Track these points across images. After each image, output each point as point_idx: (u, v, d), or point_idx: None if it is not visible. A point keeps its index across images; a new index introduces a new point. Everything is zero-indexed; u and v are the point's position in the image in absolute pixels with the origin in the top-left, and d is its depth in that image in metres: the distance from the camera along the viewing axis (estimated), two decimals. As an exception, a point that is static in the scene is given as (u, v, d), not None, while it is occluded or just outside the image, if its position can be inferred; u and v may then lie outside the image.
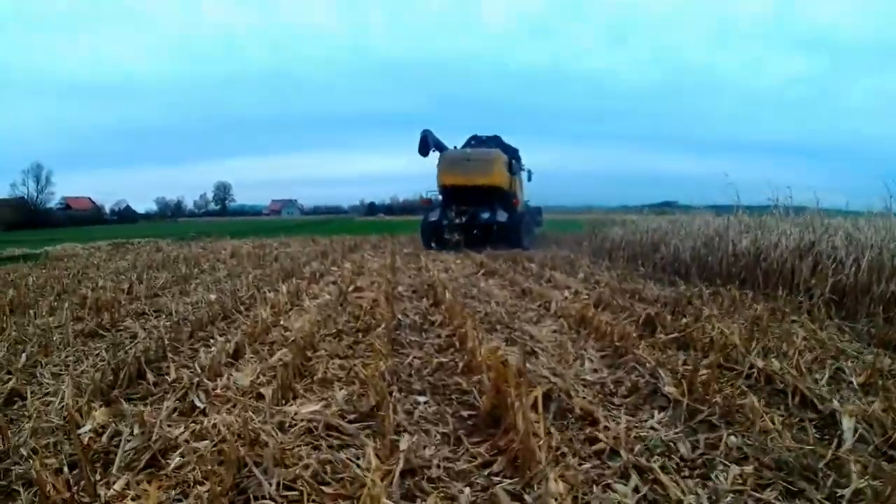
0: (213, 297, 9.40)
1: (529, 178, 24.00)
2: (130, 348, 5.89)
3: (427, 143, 20.97)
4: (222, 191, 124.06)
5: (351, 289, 9.69)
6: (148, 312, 8.21)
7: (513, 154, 21.90)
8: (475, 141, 22.69)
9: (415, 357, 5.75)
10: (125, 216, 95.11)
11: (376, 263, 13.83)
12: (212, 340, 6.42)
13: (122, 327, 7.27)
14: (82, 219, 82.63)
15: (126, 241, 26.03)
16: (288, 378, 4.65)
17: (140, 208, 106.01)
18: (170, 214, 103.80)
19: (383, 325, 6.71)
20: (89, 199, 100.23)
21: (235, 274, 12.58)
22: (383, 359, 5.10)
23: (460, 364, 5.46)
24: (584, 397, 4.43)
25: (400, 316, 7.62)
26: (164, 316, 7.95)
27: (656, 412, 4.17)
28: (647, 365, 5.13)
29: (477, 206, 19.82)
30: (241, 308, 8.30)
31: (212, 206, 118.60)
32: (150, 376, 4.98)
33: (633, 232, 15.60)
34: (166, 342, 5.90)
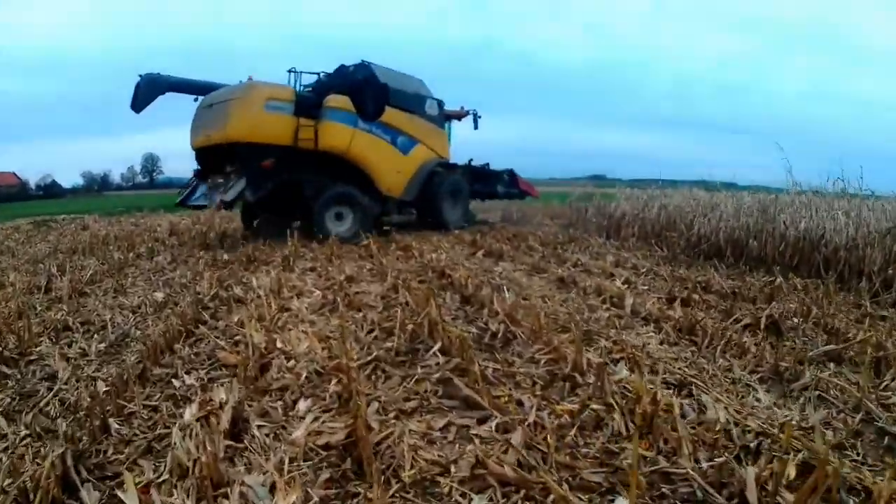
0: (159, 295, 7.04)
1: (476, 125, 17.10)
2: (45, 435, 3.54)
3: (140, 95, 12.83)
4: (150, 163, 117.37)
5: (342, 278, 7.42)
6: (72, 326, 5.76)
7: (400, 90, 13.93)
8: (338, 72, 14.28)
9: (531, 412, 3.57)
10: (51, 191, 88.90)
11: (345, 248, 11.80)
12: (177, 384, 4.09)
13: (33, 355, 4.84)
14: (7, 196, 76.58)
15: (50, 218, 22.59)
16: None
17: (67, 183, 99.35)
18: (96, 188, 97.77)
19: (439, 342, 4.55)
20: (14, 174, 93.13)
21: (182, 259, 10.15)
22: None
23: (612, 423, 3.35)
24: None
25: (447, 318, 5.41)
26: (94, 335, 5.53)
27: None
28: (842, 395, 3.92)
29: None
30: (206, 316, 5.93)
31: (139, 178, 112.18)
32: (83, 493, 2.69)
33: (643, 208, 13.65)
34: (102, 393, 3.59)
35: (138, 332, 5.58)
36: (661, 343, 5.34)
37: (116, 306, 6.67)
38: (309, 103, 12.62)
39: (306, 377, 4.06)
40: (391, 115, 13.63)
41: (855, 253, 8.84)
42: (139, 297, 7.10)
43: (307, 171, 12.60)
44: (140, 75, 12.77)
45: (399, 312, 5.41)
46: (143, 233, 15.31)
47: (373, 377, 4.20)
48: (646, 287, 7.90)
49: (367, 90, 13.05)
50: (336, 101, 12.86)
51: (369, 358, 4.41)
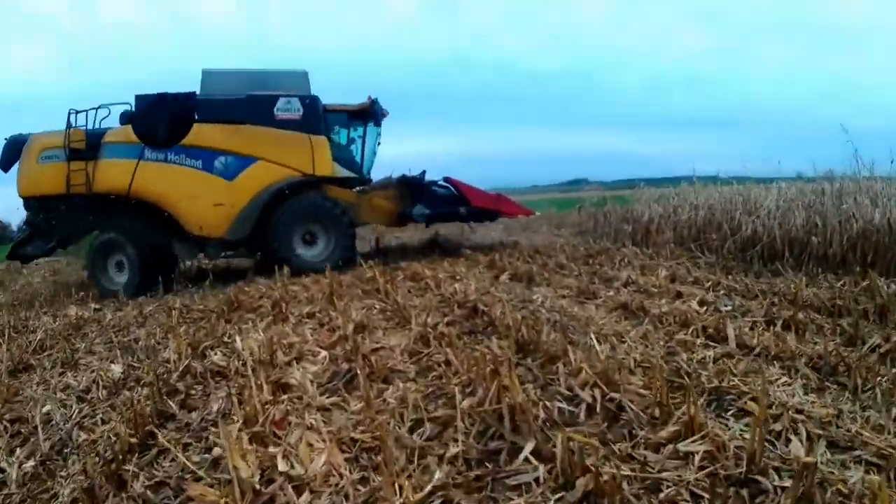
0: (117, 368, 5.41)
1: (377, 121, 12.50)
2: None
3: (5, 154, 11.00)
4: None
5: (351, 327, 5.75)
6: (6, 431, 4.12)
7: (222, 100, 11.06)
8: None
9: None
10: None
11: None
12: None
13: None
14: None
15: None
16: None
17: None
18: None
19: (530, 442, 2.99)
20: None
21: (152, 311, 8.45)
22: None
23: None
24: None
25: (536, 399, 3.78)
26: (23, 444, 3.92)
27: None
28: None
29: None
30: (174, 405, 4.27)
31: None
32: None
33: (674, 209, 12.09)
34: None
35: (82, 437, 3.95)
36: (806, 392, 3.94)
37: (61, 389, 5.02)
38: (91, 144, 10.73)
39: None
40: (204, 132, 10.89)
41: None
42: (92, 371, 5.45)
43: (113, 220, 10.93)
44: (6, 138, 11.26)
45: (447, 384, 3.81)
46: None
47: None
48: (728, 307, 6.36)
49: (152, 112, 10.77)
50: (113, 134, 10.82)
51: (429, 487, 2.75)
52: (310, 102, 11.35)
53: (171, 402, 4.27)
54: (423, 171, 12.69)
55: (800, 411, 3.48)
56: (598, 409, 3.63)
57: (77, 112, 10.88)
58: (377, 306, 7.23)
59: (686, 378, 4.14)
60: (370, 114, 12.14)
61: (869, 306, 5.99)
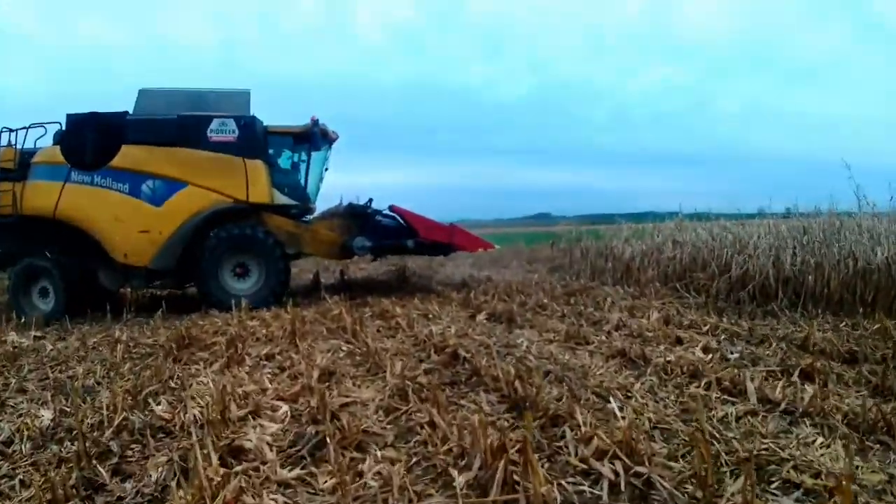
0: (46, 415, 4.59)
1: (317, 146, 11.36)
2: None
3: None
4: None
5: (316, 375, 5.00)
6: None
7: (151, 120, 10.28)
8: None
9: None
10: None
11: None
12: None
13: None
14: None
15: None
16: None
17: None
18: None
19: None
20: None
21: (95, 343, 7.54)
22: None
23: None
24: None
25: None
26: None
27: None
28: None
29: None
30: (105, 473, 3.47)
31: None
32: None
33: (657, 247, 11.54)
34: None
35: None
36: (847, 454, 3.28)
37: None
38: (21, 164, 10.10)
39: None
40: (132, 154, 10.11)
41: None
42: (20, 415, 4.62)
43: (39, 244, 10.15)
44: None
45: (434, 453, 3.09)
46: None
47: None
48: (735, 355, 5.77)
49: (80, 133, 10.08)
50: (42, 155, 10.16)
51: None
52: (246, 124, 10.41)
53: (101, 469, 3.46)
54: (370, 200, 11.64)
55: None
56: (622, 487, 2.95)
57: (11, 130, 10.14)
58: (344, 348, 6.48)
59: (716, 443, 3.50)
60: (311, 137, 11.11)
61: (887, 352, 5.53)
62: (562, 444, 3.53)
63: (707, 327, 7.04)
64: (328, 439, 3.44)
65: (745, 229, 11.10)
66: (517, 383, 4.45)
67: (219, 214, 10.23)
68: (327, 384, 4.89)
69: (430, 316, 8.32)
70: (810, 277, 8.48)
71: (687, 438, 3.80)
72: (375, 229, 11.35)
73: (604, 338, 6.63)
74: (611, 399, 4.35)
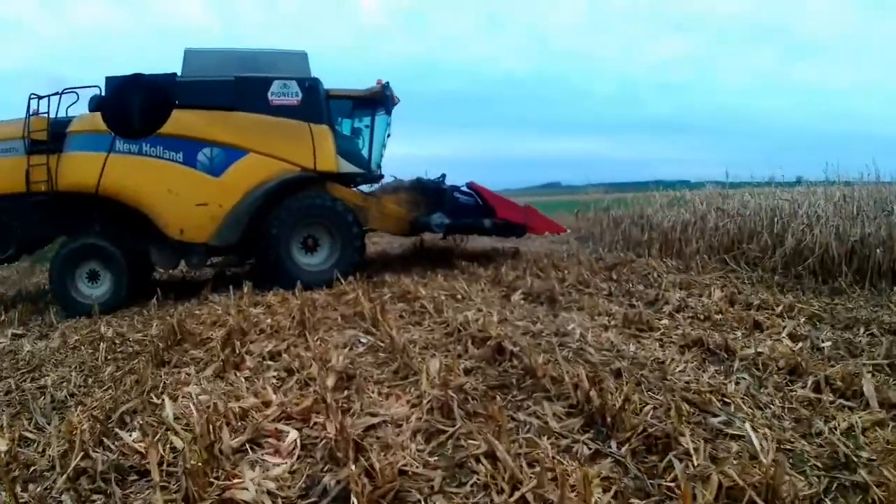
0: (2, 446, 3.64)
1: (388, 109, 10.73)
2: None
3: None
4: None
5: (331, 383, 4.04)
6: None
7: (205, 81, 9.37)
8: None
9: None
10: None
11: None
12: None
13: None
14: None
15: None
16: None
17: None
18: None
19: None
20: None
21: (83, 338, 6.60)
22: None
23: None
24: None
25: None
26: None
27: None
28: None
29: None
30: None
31: None
32: None
33: (701, 216, 10.51)
34: None
35: None
36: None
37: None
38: (54, 134, 8.85)
39: None
40: (185, 120, 9.11)
41: None
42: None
43: (82, 222, 9.06)
44: None
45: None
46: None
47: None
48: (828, 343, 4.82)
49: (124, 97, 8.94)
50: (81, 123, 8.94)
51: None
52: (310, 86, 9.46)
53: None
54: (443, 175, 10.91)
55: None
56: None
57: (39, 97, 8.90)
58: (363, 340, 5.50)
59: (861, 469, 2.58)
60: (380, 101, 10.26)
61: None
62: (666, 475, 2.58)
63: (781, 308, 6.07)
64: (352, 490, 2.46)
65: (791, 197, 10.10)
66: (589, 387, 3.48)
67: (287, 184, 9.28)
68: (346, 393, 3.93)
69: (459, 297, 7.34)
70: (879, 251, 7.52)
71: (820, 465, 2.88)
72: (453, 206, 10.54)
73: (667, 322, 5.66)
74: (713, 411, 3.39)
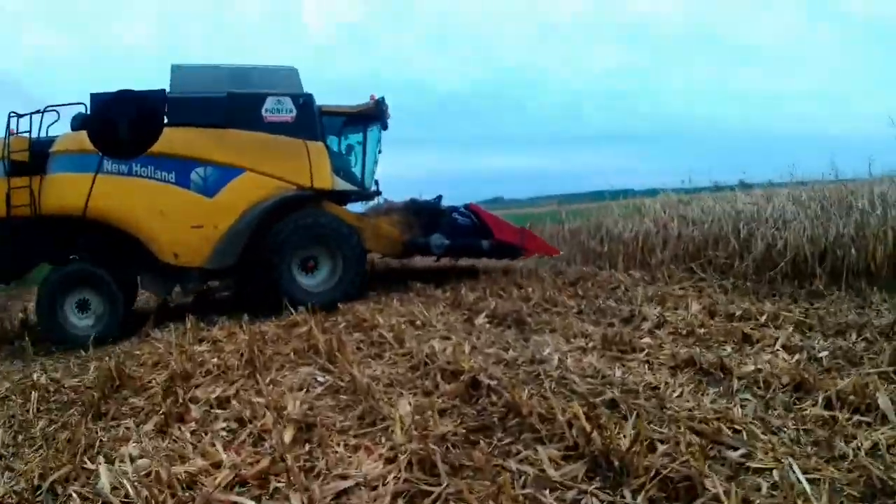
0: None
1: (384, 123, 10.31)
2: None
3: None
4: None
5: (288, 437, 3.53)
6: None
7: (198, 98, 8.85)
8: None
9: None
10: None
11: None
12: None
13: None
14: None
15: None
16: None
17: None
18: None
19: None
20: None
21: (15, 384, 5.87)
22: None
23: None
24: None
25: None
26: None
27: None
28: None
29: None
30: None
31: None
32: None
33: (663, 224, 10.27)
34: None
35: None
36: None
37: None
38: (36, 155, 8.26)
39: None
40: (177, 138, 8.61)
41: None
42: None
43: (68, 247, 8.56)
44: None
45: None
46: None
47: None
48: (825, 353, 4.54)
49: (112, 115, 8.33)
50: (65, 142, 8.41)
51: None
52: (304, 102, 9.13)
53: None
54: (440, 196, 10.59)
55: None
56: None
57: (19, 116, 8.28)
58: (320, 380, 4.96)
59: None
60: (375, 116, 9.96)
61: None
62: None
63: (765, 317, 5.79)
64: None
65: (754, 201, 10.01)
66: (592, 429, 3.04)
67: (285, 202, 8.85)
68: (307, 447, 3.40)
69: (419, 323, 6.86)
70: (853, 251, 7.37)
71: (857, 494, 2.52)
72: (451, 227, 10.18)
73: (650, 340, 5.29)
74: (727, 441, 3.00)
